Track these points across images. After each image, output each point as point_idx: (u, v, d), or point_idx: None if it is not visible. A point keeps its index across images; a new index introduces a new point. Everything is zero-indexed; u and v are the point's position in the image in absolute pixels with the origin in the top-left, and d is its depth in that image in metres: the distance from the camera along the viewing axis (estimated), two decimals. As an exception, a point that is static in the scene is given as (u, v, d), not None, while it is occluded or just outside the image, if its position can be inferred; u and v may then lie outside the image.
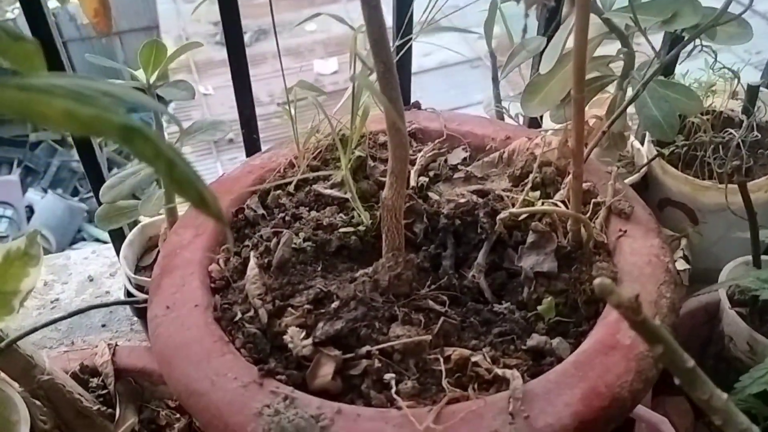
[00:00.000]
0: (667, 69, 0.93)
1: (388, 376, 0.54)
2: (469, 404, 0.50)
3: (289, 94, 0.71)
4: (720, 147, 0.89)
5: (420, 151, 0.79)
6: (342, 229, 0.68)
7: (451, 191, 0.74)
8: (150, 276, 0.72)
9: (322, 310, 0.59)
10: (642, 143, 1.00)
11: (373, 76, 0.54)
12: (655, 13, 0.73)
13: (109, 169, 0.76)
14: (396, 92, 0.53)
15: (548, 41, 0.77)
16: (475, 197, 0.70)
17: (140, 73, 0.73)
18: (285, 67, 0.69)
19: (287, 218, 0.70)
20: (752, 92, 0.90)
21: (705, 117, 0.92)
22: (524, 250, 0.64)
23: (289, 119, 0.73)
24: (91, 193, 0.78)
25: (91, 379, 0.77)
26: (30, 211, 3.98)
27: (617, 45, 0.80)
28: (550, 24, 0.87)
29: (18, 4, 0.72)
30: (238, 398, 0.52)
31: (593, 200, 0.69)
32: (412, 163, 0.76)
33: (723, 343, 0.78)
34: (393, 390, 0.53)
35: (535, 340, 0.57)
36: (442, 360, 0.55)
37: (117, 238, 0.96)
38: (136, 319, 0.99)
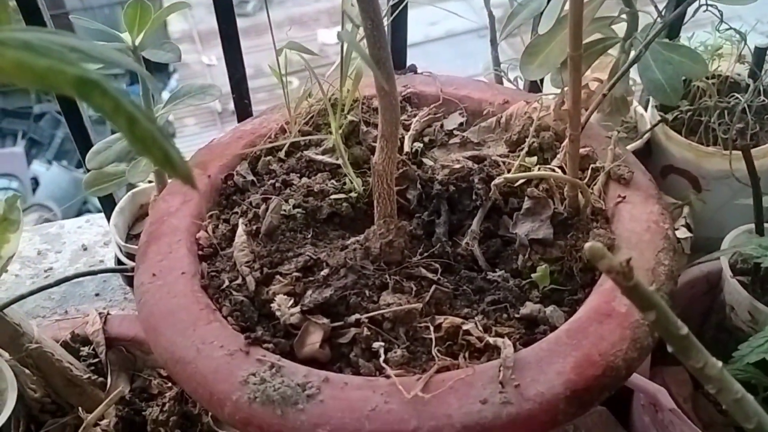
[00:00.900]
0: (672, 32, 0.90)
1: (377, 344, 0.53)
2: (458, 372, 0.49)
3: (279, 57, 0.69)
4: (725, 112, 0.86)
5: (415, 116, 0.76)
6: (333, 196, 0.66)
7: (446, 157, 0.72)
8: (140, 244, 0.71)
9: (311, 278, 0.58)
10: (645, 109, 0.98)
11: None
12: (659, -30, 0.70)
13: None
14: (385, 51, 0.51)
15: (548, 2, 0.74)
16: (470, 163, 0.68)
17: (126, 36, 0.71)
18: (289, 37, 0.67)
19: (277, 185, 0.68)
20: (759, 55, 0.87)
21: (710, 81, 0.89)
22: (519, 217, 0.63)
23: (280, 83, 0.71)
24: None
25: (82, 348, 0.76)
26: (35, 182, 3.99)
27: (621, 6, 0.78)
28: (551, -16, 0.84)
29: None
30: (224, 366, 0.51)
31: (592, 165, 0.67)
32: (407, 128, 0.74)
33: (724, 312, 0.77)
34: (382, 359, 0.52)
35: (528, 308, 0.56)
36: (432, 328, 0.54)
37: (108, 206, 0.95)
38: (129, 288, 0.98)
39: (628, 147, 0.84)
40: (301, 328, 0.55)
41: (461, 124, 0.76)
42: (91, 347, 0.76)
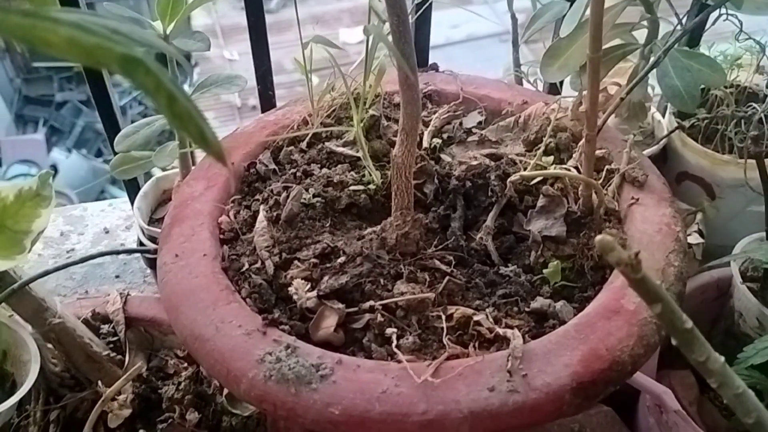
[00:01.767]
0: (692, 41, 0.90)
1: (389, 330, 0.55)
2: (468, 360, 0.51)
3: (304, 50, 0.70)
4: (742, 121, 0.87)
5: (435, 113, 0.78)
6: (352, 187, 0.68)
7: (464, 154, 0.73)
8: (162, 227, 0.73)
9: (328, 265, 0.60)
10: (663, 115, 0.98)
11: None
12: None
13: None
14: (409, 47, 0.53)
15: (571, 5, 0.76)
16: (487, 160, 0.70)
17: (158, 24, 0.73)
18: (311, 35, 0.69)
19: (298, 174, 0.70)
20: (779, 66, 0.87)
21: (728, 90, 0.90)
22: (533, 214, 0.64)
23: (304, 76, 0.73)
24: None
25: (102, 326, 0.78)
26: (54, 170, 4.03)
27: (642, 13, 0.79)
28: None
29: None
30: (241, 345, 0.53)
31: (607, 167, 0.68)
32: (426, 124, 0.76)
33: (733, 319, 0.78)
34: (394, 344, 0.53)
35: (538, 302, 0.57)
36: (444, 318, 0.55)
37: (132, 190, 0.97)
38: (149, 270, 1.01)
39: (645, 152, 0.85)
40: (317, 311, 0.56)
41: (480, 122, 0.77)
42: (111, 326, 0.78)
